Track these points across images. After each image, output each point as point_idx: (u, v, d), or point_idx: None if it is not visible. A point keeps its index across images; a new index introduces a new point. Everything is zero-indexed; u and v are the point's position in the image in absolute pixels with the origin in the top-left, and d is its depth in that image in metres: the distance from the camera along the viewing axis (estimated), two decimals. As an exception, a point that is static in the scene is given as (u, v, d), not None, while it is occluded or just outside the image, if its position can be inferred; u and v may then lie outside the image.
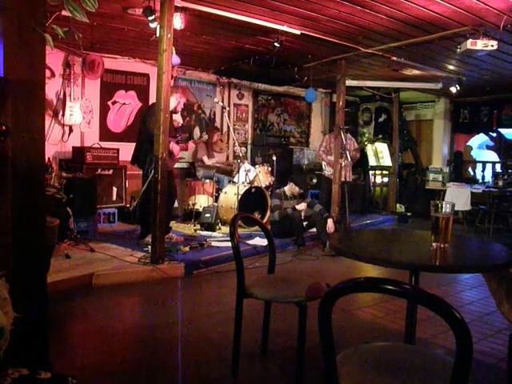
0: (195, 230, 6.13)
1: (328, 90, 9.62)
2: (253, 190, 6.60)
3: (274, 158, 7.42)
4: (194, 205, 6.71)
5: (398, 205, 9.24)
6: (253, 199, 6.60)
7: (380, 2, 4.24)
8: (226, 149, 8.35)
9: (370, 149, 9.47)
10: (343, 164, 6.77)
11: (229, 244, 4.76)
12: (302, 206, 6.01)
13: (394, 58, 6.29)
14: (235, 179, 6.85)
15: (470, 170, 9.93)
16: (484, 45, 4.71)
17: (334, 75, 7.05)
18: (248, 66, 7.10)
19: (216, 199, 6.76)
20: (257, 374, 2.65)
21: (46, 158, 5.19)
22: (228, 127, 7.56)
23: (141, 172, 5.27)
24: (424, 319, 3.08)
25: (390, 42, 5.56)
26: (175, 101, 5.17)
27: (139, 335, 3.21)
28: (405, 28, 4.98)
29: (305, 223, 6.03)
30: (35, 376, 1.31)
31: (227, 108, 6.96)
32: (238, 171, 6.81)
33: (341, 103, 6.83)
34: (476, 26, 4.70)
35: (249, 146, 8.89)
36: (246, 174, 6.71)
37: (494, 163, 9.31)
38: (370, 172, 9.40)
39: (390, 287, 1.28)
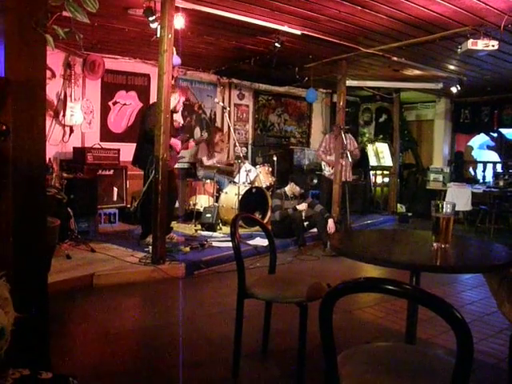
0: (196, 231, 6.13)
1: (328, 90, 9.60)
2: (253, 190, 6.60)
3: (275, 159, 7.41)
4: (194, 205, 6.71)
5: (398, 205, 9.23)
6: (253, 199, 6.60)
7: (380, 2, 4.24)
8: (227, 149, 8.35)
9: (370, 149, 9.47)
10: (343, 164, 6.77)
11: (229, 244, 4.69)
12: (302, 206, 6.01)
13: (395, 58, 6.29)
14: (236, 179, 6.85)
15: (470, 170, 9.92)
16: (485, 45, 4.71)
17: (334, 75, 7.05)
18: (249, 67, 7.09)
19: (217, 199, 6.76)
20: (257, 374, 2.65)
21: (47, 159, 5.19)
22: (228, 127, 7.56)
23: (141, 172, 5.26)
24: (425, 319, 3.07)
25: (390, 42, 5.56)
26: (175, 100, 5.16)
27: (140, 335, 3.21)
28: (405, 28, 4.98)
29: (305, 223, 6.02)
30: (36, 376, 1.31)
31: (228, 108, 6.96)
32: (239, 171, 6.80)
33: (341, 103, 6.82)
34: (477, 26, 4.70)
35: (249, 147, 8.88)
36: (247, 175, 6.71)
37: (494, 163, 9.31)
38: (371, 172, 9.40)
39: (390, 287, 1.28)
